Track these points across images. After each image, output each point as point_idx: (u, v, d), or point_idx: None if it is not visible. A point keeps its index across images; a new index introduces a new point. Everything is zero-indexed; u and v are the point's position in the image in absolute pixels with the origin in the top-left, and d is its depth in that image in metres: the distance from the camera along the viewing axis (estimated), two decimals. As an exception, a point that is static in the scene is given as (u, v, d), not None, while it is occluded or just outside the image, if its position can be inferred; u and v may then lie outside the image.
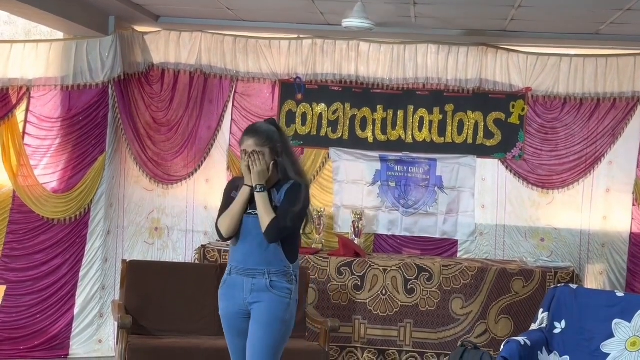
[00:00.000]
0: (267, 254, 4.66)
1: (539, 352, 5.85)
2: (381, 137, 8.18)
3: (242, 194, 4.71)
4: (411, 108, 8.15)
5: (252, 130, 4.76)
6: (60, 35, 7.76)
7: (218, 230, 4.80)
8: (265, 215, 4.61)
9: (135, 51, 7.98)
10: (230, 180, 5.12)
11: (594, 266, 7.94)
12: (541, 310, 6.18)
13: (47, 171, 7.64)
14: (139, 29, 8.07)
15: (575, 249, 7.99)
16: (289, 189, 4.68)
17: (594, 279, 7.92)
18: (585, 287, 7.51)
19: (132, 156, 7.99)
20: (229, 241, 4.81)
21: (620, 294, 6.22)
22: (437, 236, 8.20)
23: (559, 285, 6.67)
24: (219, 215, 4.81)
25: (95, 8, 7.25)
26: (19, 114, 7.60)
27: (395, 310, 7.47)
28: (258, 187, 4.63)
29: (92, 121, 7.70)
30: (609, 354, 5.85)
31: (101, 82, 7.67)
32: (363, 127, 8.20)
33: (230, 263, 4.80)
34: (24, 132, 7.60)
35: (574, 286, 6.38)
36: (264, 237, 4.62)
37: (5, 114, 7.51)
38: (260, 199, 4.63)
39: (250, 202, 4.70)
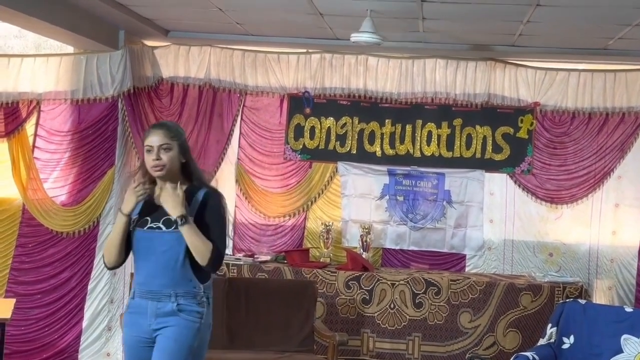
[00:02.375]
0: (173, 274, 4.13)
1: (547, 367, 5.84)
2: (389, 151, 8.19)
3: (118, 223, 4.20)
4: (419, 122, 8.16)
5: (159, 124, 4.38)
6: (70, 49, 7.80)
7: (103, 258, 4.35)
8: (201, 246, 4.08)
9: (144, 65, 8.01)
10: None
11: (603, 281, 7.92)
12: (549, 325, 6.17)
13: (57, 184, 7.67)
14: (149, 43, 8.11)
15: (584, 264, 7.97)
16: (209, 201, 4.20)
17: (603, 294, 7.89)
18: (594, 302, 7.49)
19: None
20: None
21: (629, 309, 6.20)
22: (445, 251, 8.19)
23: (567, 300, 6.67)
24: None
25: (105, 22, 7.29)
26: (29, 127, 7.64)
27: (403, 323, 7.46)
28: (180, 220, 4.07)
29: (101, 135, 7.73)
30: (617, 370, 5.85)
31: (111, 96, 7.71)
32: (371, 141, 8.21)
33: (134, 285, 4.27)
34: (33, 146, 7.64)
35: (582, 301, 6.37)
36: (208, 269, 4.14)
37: (15, 128, 7.56)
38: (188, 231, 4.07)
39: (149, 212, 4.20)
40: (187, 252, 4.12)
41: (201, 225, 4.14)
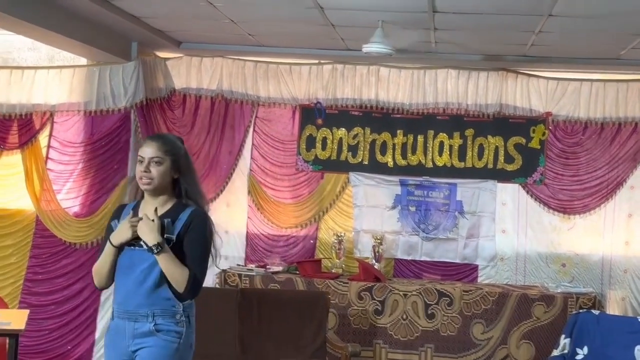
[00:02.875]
0: (151, 293, 3.97)
1: (561, 379, 5.83)
2: (401, 162, 8.19)
3: (108, 251, 4.06)
4: (431, 133, 8.16)
5: (156, 135, 4.34)
6: (83, 61, 7.83)
7: (92, 278, 4.21)
8: (178, 275, 3.95)
9: (157, 77, 8.04)
10: (116, 209, 4.32)
11: (616, 292, 7.88)
12: (563, 336, 6.16)
13: (70, 196, 7.70)
14: (161, 54, 8.14)
15: (597, 275, 7.94)
16: (193, 223, 4.03)
17: (616, 304, 7.86)
18: (608, 313, 7.46)
19: (154, 180, 8.01)
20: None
21: (642, 320, 6.18)
22: (458, 261, 8.17)
23: (580, 311, 6.65)
24: (98, 256, 4.19)
25: (118, 34, 7.33)
26: (42, 139, 7.69)
27: (416, 334, 7.45)
28: (155, 248, 3.91)
29: (114, 146, 7.75)
30: (631, 381, 5.82)
31: (123, 107, 7.73)
32: (383, 152, 8.21)
33: (113, 304, 4.14)
34: (47, 157, 7.68)
35: (596, 312, 6.36)
36: (184, 296, 4.00)
37: (28, 139, 7.61)
38: (163, 259, 3.93)
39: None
40: None
41: (182, 247, 4.00)
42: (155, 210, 4.00)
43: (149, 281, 3.96)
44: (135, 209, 4.12)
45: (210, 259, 4.11)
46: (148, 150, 4.05)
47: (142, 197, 4.16)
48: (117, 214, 4.17)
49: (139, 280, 3.97)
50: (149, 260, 3.97)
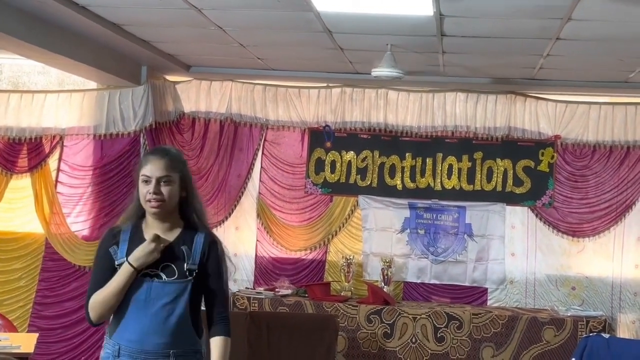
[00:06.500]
0: (175, 331, 3.55)
1: (572, 403, 5.80)
2: (410, 185, 8.19)
3: (123, 278, 3.55)
4: (440, 156, 8.17)
5: (161, 150, 3.73)
6: (93, 84, 7.88)
7: (87, 311, 3.63)
8: (228, 351, 3.67)
9: (166, 100, 8.07)
10: (106, 233, 3.77)
11: (627, 315, 7.85)
12: (573, 359, 6.12)
13: (79, 219, 7.72)
14: (171, 78, 8.18)
15: (607, 298, 7.90)
16: (211, 252, 3.66)
17: (627, 328, 7.82)
18: (618, 336, 7.43)
19: (163, 204, 8.01)
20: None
21: (653, 343, 6.15)
22: (467, 284, 8.15)
23: (591, 334, 6.62)
24: (90, 288, 3.66)
25: (128, 58, 7.37)
26: (52, 162, 7.73)
27: (425, 358, 7.42)
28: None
29: (123, 169, 7.77)
30: (642, 405, 5.78)
31: (133, 131, 7.76)
32: (392, 175, 8.21)
33: (117, 340, 3.59)
34: (56, 181, 7.71)
35: (606, 335, 6.34)
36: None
37: (38, 163, 7.66)
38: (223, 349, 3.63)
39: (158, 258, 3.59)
40: (190, 303, 3.60)
41: (203, 277, 3.64)
42: (158, 238, 3.60)
43: (173, 318, 3.55)
44: (136, 234, 3.66)
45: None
46: (155, 169, 3.59)
47: (139, 219, 3.71)
48: (114, 240, 3.65)
49: (161, 317, 3.54)
50: (171, 294, 3.56)
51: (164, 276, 3.58)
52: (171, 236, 3.64)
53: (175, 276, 3.58)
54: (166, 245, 3.59)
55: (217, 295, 3.66)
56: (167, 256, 3.60)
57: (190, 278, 3.58)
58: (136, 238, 3.63)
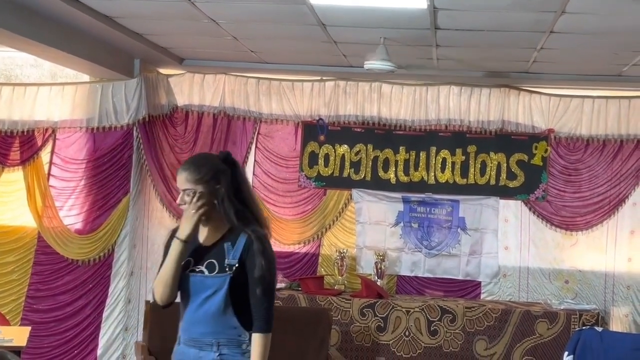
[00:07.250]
0: (215, 321, 3.80)
1: (564, 396, 5.81)
2: (404, 178, 8.19)
3: (173, 252, 3.80)
4: (433, 149, 8.17)
5: (187, 162, 3.91)
6: (85, 77, 7.86)
7: (153, 295, 3.95)
8: (268, 349, 3.83)
9: (159, 93, 8.05)
10: (172, 230, 4.00)
11: (619, 308, 7.86)
12: (566, 353, 6.14)
13: (72, 212, 7.70)
14: (164, 71, 8.16)
15: (600, 291, 7.92)
16: (251, 248, 3.79)
17: (620, 321, 7.84)
18: (611, 329, 7.44)
19: (157, 197, 8.01)
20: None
21: (646, 336, 6.16)
22: (460, 278, 8.16)
23: (584, 327, 6.64)
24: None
25: (121, 51, 7.34)
26: (44, 155, 7.69)
27: (418, 351, 7.43)
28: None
29: (116, 163, 7.76)
30: (635, 398, 5.80)
31: (126, 124, 7.74)
32: (385, 169, 8.21)
33: (179, 331, 3.97)
34: (49, 174, 7.68)
35: (599, 329, 6.35)
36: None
37: (30, 156, 7.62)
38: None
39: (192, 253, 3.85)
40: (231, 297, 3.78)
41: (244, 273, 3.79)
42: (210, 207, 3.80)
43: (212, 308, 3.78)
44: (192, 241, 3.88)
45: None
46: (179, 181, 3.84)
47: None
48: (174, 234, 3.88)
49: (203, 308, 3.80)
50: (212, 287, 3.78)
51: (206, 271, 3.82)
52: (216, 236, 3.87)
53: (216, 271, 3.82)
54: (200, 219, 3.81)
55: (254, 292, 3.80)
56: (211, 254, 3.85)
57: (229, 272, 3.79)
58: (193, 240, 3.89)
